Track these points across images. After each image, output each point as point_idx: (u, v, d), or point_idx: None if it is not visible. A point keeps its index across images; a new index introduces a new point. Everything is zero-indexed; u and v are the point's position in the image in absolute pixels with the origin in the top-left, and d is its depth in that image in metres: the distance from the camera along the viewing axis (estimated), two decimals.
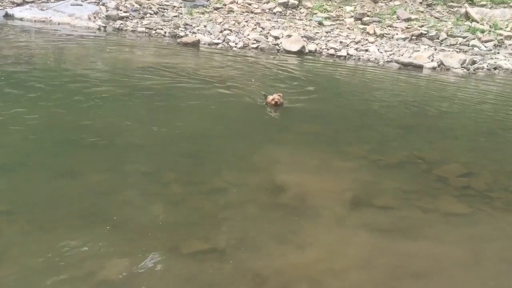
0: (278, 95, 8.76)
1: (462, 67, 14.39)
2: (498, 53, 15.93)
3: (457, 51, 15.70)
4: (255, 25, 16.62)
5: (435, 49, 15.69)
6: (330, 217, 5.41)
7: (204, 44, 14.87)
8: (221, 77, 10.95)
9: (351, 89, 11.42)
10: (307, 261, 4.63)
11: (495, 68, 14.68)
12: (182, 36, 15.18)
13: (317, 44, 15.48)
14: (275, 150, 7.10)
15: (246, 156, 6.85)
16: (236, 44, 15.20)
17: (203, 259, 4.52)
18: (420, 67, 14.28)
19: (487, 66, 14.66)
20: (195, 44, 14.58)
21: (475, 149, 7.80)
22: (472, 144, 8.13)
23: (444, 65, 14.46)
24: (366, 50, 15.39)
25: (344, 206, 5.73)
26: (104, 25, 15.83)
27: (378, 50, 15.44)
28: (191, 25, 16.30)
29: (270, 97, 8.85)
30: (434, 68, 14.31)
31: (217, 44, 15.14)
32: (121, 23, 16.04)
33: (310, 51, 15.09)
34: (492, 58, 15.33)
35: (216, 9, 18.02)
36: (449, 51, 15.62)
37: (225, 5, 18.23)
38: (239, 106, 9.01)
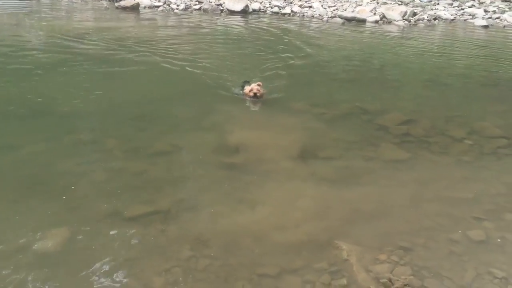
0: (258, 85, 7.39)
1: (403, 19, 14.61)
2: (438, 4, 16.25)
3: (398, 4, 15.89)
4: None
5: (377, 3, 15.82)
6: (278, 172, 5.44)
7: (144, 7, 14.35)
8: (164, 42, 10.64)
9: (296, 47, 11.38)
10: (256, 218, 4.64)
11: (435, 19, 15.00)
12: (120, 0, 14.56)
13: (260, 3, 15.26)
14: (221, 111, 7.02)
15: (191, 118, 6.75)
16: (178, 6, 14.75)
17: (147, 222, 4.47)
18: (363, 21, 14.40)
19: (427, 17, 14.95)
20: (135, 8, 14.05)
21: (415, 98, 8.00)
22: (413, 93, 8.34)
23: (386, 18, 14.64)
24: (310, 7, 15.32)
25: (292, 161, 5.78)
26: None
27: (322, 6, 15.40)
28: None
29: (247, 88, 7.47)
30: (376, 22, 14.46)
31: (158, 7, 14.65)
32: None
33: (254, 10, 14.88)
34: (432, 9, 15.63)
35: None
36: (391, 4, 15.78)
37: None
38: (184, 70, 8.80)
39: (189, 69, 8.81)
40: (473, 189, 5.07)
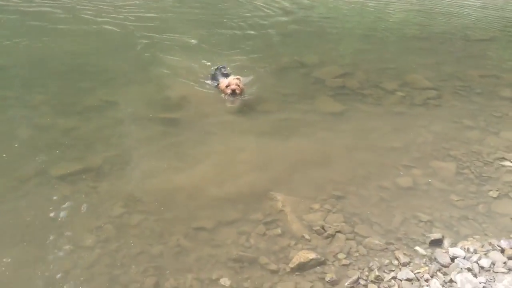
0: (237, 79, 6.01)
1: None
2: None
3: None
4: None
5: None
6: (217, 127, 5.37)
7: None
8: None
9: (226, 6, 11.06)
10: (193, 172, 4.57)
11: None
12: None
13: None
14: (156, 64, 6.77)
15: (126, 73, 6.47)
16: None
17: (77, 181, 4.31)
18: None
19: None
20: None
21: (351, 52, 8.06)
22: (349, 47, 8.39)
23: None
24: None
25: (231, 115, 5.73)
26: None
27: None
28: None
29: (223, 83, 6.06)
30: None
31: None
32: None
33: None
34: None
35: None
36: None
37: None
38: (117, 24, 8.34)
39: (120, 23, 8.35)
40: (403, 139, 5.24)
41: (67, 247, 3.66)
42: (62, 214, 3.95)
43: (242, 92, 6.01)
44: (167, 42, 7.62)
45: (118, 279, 3.48)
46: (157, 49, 7.28)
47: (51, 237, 3.73)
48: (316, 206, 4.19)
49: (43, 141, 4.83)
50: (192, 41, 7.80)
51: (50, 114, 5.33)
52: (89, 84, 6.07)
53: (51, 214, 3.93)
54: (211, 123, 5.47)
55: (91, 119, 5.32)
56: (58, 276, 3.43)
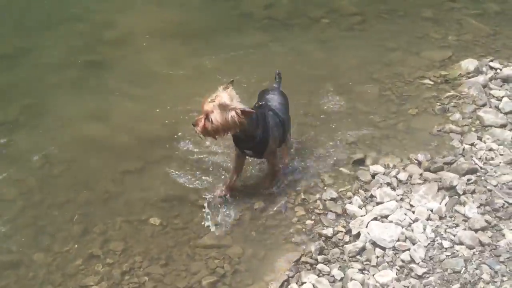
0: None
1: None
2: None
3: None
4: None
5: None
6: (140, 69, 5.19)
7: None
8: None
9: None
10: (118, 115, 4.46)
11: None
12: None
13: None
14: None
15: (41, 17, 6.03)
16: None
17: None
18: None
19: None
20: None
21: None
22: None
23: None
24: None
25: (157, 56, 5.51)
26: None
27: None
28: None
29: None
30: None
31: None
32: None
33: None
34: None
35: None
36: None
37: None
38: None
39: None
40: (329, 66, 5.27)
41: None
42: None
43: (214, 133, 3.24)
44: None
45: (45, 229, 3.44)
46: None
47: None
48: None
49: None
50: None
51: None
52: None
53: None
54: (133, 65, 5.27)
55: (4, 68, 5.02)
56: None
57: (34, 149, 4.00)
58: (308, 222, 3.43)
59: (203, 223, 3.45)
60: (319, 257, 3.14)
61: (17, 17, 6.05)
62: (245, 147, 3.49)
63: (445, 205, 3.42)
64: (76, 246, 3.29)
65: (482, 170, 3.69)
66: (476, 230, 3.20)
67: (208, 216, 3.47)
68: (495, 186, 3.51)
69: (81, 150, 4.06)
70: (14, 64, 5.09)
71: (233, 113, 3.10)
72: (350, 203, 3.53)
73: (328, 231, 3.31)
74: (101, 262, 3.18)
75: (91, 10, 6.26)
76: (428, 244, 3.17)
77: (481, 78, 4.76)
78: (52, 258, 3.21)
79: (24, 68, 5.06)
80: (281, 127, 3.53)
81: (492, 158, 3.80)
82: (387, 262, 3.08)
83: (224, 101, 3.09)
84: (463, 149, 3.95)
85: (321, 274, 3.05)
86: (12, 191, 3.64)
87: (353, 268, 3.06)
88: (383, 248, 3.16)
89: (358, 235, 3.26)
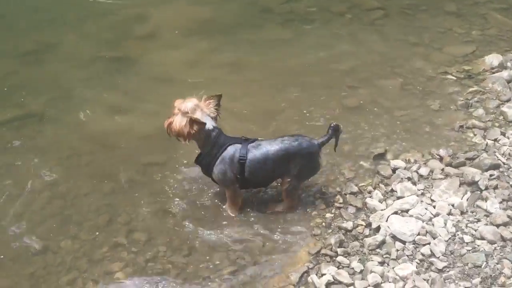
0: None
1: None
2: None
3: None
4: None
5: None
6: (164, 64, 5.26)
7: None
8: None
9: None
10: (142, 112, 4.51)
11: None
12: None
13: None
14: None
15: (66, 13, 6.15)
16: None
17: (21, 126, 4.23)
18: None
19: None
20: None
21: None
22: None
23: None
24: None
25: (178, 52, 5.57)
26: None
27: None
28: None
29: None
30: None
31: None
32: None
33: None
34: None
35: None
36: None
37: None
38: None
39: None
40: (351, 60, 5.26)
41: (15, 192, 3.65)
42: (7, 159, 3.92)
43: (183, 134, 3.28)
44: None
45: (71, 218, 3.52)
46: None
47: None
48: None
49: None
50: None
51: None
52: (31, 25, 5.82)
53: None
54: (159, 61, 5.33)
55: (33, 62, 5.18)
56: (8, 220, 3.43)
57: (60, 141, 4.11)
58: (328, 215, 3.45)
59: (224, 214, 3.50)
60: (339, 250, 3.17)
61: (50, 12, 6.15)
62: (196, 161, 3.47)
63: (467, 200, 3.41)
64: (102, 234, 3.37)
65: (505, 165, 3.67)
66: (498, 225, 3.19)
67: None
68: None
69: (108, 143, 4.14)
70: (43, 59, 5.23)
71: (186, 120, 3.17)
72: (370, 197, 3.54)
73: (348, 225, 3.33)
74: (126, 250, 3.26)
75: (124, 4, 6.35)
76: (449, 238, 3.17)
77: (505, 73, 4.71)
78: (79, 245, 3.29)
79: (52, 62, 5.18)
80: (239, 167, 3.27)
81: None
82: (407, 256, 3.09)
83: (185, 108, 3.20)
84: (486, 145, 3.93)
85: (340, 266, 3.07)
86: (39, 181, 3.74)
87: (372, 261, 3.08)
88: (403, 242, 3.17)
89: (378, 228, 3.28)
